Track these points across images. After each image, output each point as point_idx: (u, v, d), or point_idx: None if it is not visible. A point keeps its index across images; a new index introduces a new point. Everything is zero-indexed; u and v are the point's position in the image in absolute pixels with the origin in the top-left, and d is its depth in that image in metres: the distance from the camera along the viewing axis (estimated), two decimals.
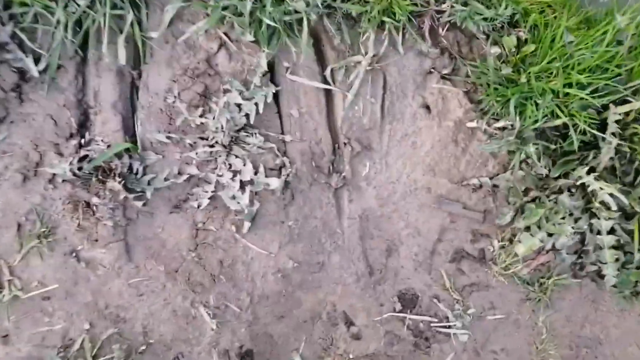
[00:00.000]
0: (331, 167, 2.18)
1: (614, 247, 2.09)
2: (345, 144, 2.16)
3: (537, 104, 2.11)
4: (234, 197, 2.09)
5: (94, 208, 2.04)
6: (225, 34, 2.09)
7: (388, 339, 2.17)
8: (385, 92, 2.17)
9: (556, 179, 2.13)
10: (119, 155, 2.03)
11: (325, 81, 2.16)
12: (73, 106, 2.06)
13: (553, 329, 2.24)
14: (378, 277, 2.18)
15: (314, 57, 2.14)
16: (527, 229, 2.14)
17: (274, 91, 2.10)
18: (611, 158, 2.08)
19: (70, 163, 2.01)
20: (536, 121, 2.08)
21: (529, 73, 2.10)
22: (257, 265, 2.13)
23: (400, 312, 2.19)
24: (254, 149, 2.10)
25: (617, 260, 2.12)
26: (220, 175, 2.10)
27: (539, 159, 2.09)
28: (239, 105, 2.09)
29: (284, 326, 2.15)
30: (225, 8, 2.03)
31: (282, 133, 2.16)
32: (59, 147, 2.05)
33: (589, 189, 2.01)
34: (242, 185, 2.10)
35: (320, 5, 1.99)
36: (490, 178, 2.17)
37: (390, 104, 2.16)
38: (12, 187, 2.02)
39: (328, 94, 2.20)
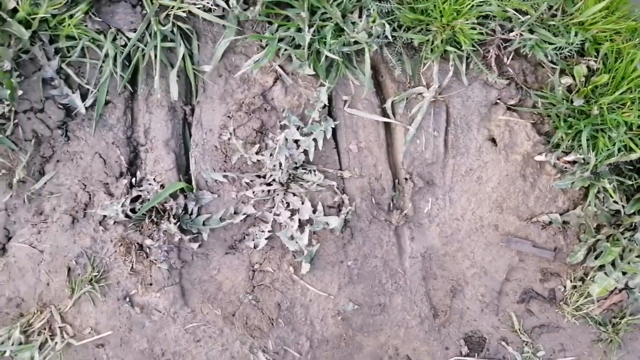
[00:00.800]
0: (392, 204, 2.08)
1: None
2: (406, 179, 2.06)
3: (610, 137, 1.99)
4: (292, 237, 1.99)
5: (147, 250, 1.96)
6: (281, 66, 1.99)
7: None
8: (448, 125, 2.06)
9: (630, 215, 2.02)
10: (173, 196, 1.94)
11: (385, 114, 2.06)
12: (122, 144, 1.97)
13: None
14: (443, 319, 2.08)
15: (373, 89, 2.04)
16: (601, 268, 2.04)
17: (333, 126, 2.00)
18: None
19: (122, 204, 1.92)
20: (610, 155, 1.97)
21: (601, 104, 1.99)
22: (316, 308, 2.04)
23: (467, 355, 2.09)
24: (312, 187, 2.00)
25: None
26: (278, 215, 2.01)
27: (614, 195, 1.98)
28: (296, 142, 1.99)
29: None
30: (281, 40, 1.92)
31: (341, 169, 2.06)
32: (108, 187, 1.96)
33: None
34: (301, 225, 2.00)
35: (386, 34, 1.88)
36: (561, 214, 2.06)
37: (454, 137, 2.06)
38: (60, 230, 1.94)
39: (387, 127, 2.10)
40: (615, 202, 2.01)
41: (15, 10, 1.78)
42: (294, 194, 2.01)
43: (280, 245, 2.01)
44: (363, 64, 1.96)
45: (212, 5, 1.88)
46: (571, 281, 2.09)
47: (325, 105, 1.98)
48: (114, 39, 1.89)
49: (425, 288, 2.09)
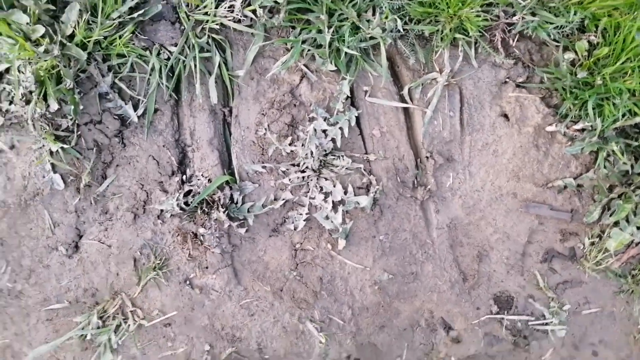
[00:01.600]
0: (416, 181, 2.28)
1: None
2: (427, 157, 2.25)
3: (614, 104, 2.14)
4: (327, 217, 2.21)
5: (202, 238, 2.20)
6: (306, 65, 2.21)
7: (487, 340, 2.27)
8: (462, 105, 2.24)
9: (639, 174, 2.17)
10: (220, 188, 2.18)
11: (403, 100, 2.26)
12: (172, 146, 2.23)
13: None
14: (472, 282, 2.27)
15: (391, 78, 2.24)
16: (616, 224, 2.19)
17: (356, 115, 2.21)
18: None
19: (177, 199, 2.17)
20: (616, 120, 2.12)
21: (604, 75, 2.14)
22: (354, 280, 2.26)
23: (497, 314, 2.27)
24: (342, 171, 2.22)
25: None
26: (313, 198, 2.23)
27: (622, 156, 2.13)
28: (324, 131, 2.21)
29: (386, 335, 2.27)
30: (304, 41, 2.14)
31: (366, 153, 2.26)
32: (163, 185, 2.22)
33: None
34: (334, 206, 2.22)
35: (399, 28, 2.08)
36: (574, 178, 2.22)
37: (469, 116, 2.24)
38: (124, 226, 2.21)
39: (406, 112, 2.30)
40: (624, 163, 2.16)
41: (72, 35, 2.05)
42: (326, 179, 2.23)
43: (318, 225, 2.23)
44: (379, 56, 2.16)
45: (241, 16, 2.12)
46: (589, 239, 2.25)
47: (347, 97, 2.19)
48: (158, 54, 2.14)
49: (453, 255, 2.28)
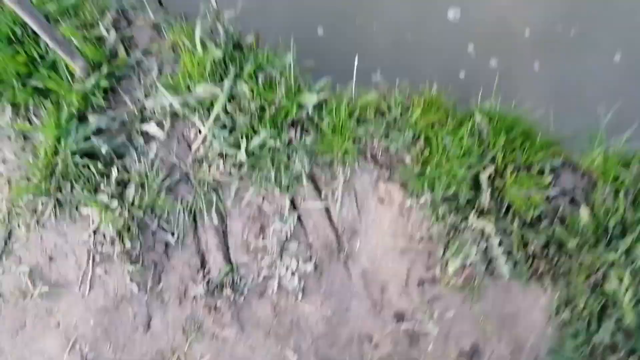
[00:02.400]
0: (338, 249, 3.78)
1: (506, 253, 3.49)
2: (342, 233, 3.77)
3: (439, 180, 3.64)
4: (290, 282, 3.71)
5: (220, 307, 3.73)
6: (264, 189, 3.84)
7: (395, 342, 3.61)
8: (356, 198, 3.79)
9: (459, 225, 3.59)
10: (226, 274, 3.74)
11: (327, 210, 3.83)
12: (195, 254, 3.83)
13: (485, 312, 3.63)
14: (379, 307, 3.66)
15: (314, 191, 3.83)
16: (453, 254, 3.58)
17: (296, 216, 3.79)
18: (489, 202, 3.56)
19: (203, 286, 3.73)
20: (441, 192, 3.61)
21: (432, 165, 3.66)
22: (312, 318, 3.69)
23: (397, 323, 3.64)
24: (293, 251, 3.75)
25: (508, 262, 3.50)
26: (280, 272, 3.75)
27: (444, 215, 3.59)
28: (280, 229, 3.78)
29: (335, 349, 3.64)
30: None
31: (306, 236, 3.81)
32: (194, 279, 3.79)
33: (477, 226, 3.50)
34: (292, 274, 3.72)
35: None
36: (428, 230, 3.68)
37: (361, 205, 3.78)
38: (174, 307, 3.75)
39: (327, 209, 3.86)
40: (452, 217, 3.60)
41: (133, 202, 3.78)
42: (286, 257, 3.76)
43: (285, 288, 3.71)
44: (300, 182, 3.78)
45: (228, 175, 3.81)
46: (441, 267, 3.64)
47: (289, 208, 3.78)
48: (181, 202, 3.84)
49: (367, 292, 3.69)
